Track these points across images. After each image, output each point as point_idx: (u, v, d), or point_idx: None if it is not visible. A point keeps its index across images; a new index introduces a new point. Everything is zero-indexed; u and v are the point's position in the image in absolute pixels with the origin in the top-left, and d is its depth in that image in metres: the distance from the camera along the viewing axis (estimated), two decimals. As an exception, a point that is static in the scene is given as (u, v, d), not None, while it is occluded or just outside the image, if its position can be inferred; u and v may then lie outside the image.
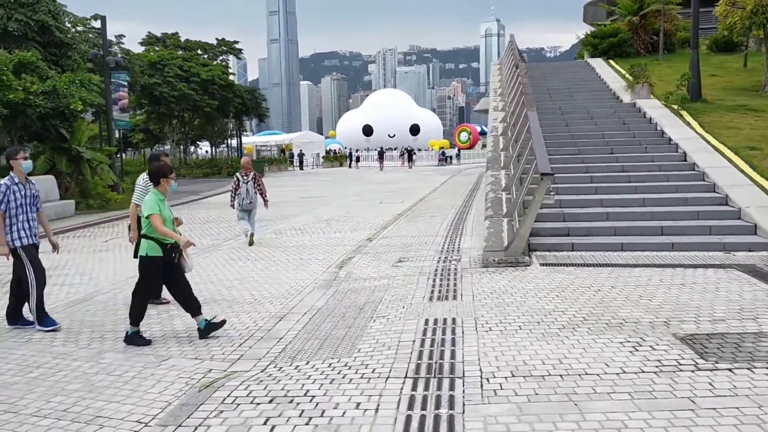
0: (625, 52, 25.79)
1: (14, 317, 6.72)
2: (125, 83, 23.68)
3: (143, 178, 7.61)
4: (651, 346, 5.07)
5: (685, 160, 12.55)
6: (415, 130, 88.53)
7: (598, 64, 24.12)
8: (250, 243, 11.80)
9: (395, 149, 66.34)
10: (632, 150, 13.41)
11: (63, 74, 19.13)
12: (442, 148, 64.69)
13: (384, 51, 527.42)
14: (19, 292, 6.67)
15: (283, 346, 5.70)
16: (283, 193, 26.60)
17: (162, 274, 6.11)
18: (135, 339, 5.95)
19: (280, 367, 5.10)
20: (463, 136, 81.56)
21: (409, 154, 47.11)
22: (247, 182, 11.95)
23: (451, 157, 55.81)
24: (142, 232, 6.16)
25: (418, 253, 9.89)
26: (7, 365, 5.44)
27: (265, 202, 12.40)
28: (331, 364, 5.06)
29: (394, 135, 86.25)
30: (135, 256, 6.75)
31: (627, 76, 20.77)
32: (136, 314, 6.03)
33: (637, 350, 5.00)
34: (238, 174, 12.14)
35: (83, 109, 18.57)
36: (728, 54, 25.57)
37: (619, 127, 15.23)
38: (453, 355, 5.00)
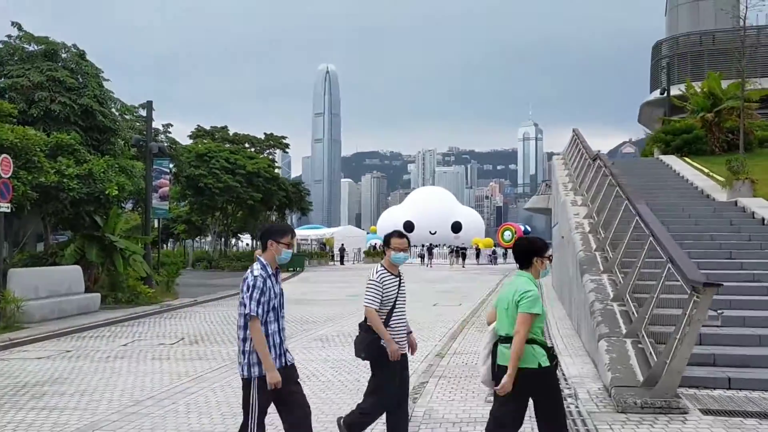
0: (700, 149, 23.83)
1: None
2: (167, 170, 22.58)
3: (377, 271, 5.16)
4: None
5: (828, 269, 10.18)
6: (456, 227, 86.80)
7: (673, 161, 22.13)
8: None
9: (437, 246, 64.38)
10: (755, 255, 11.10)
11: (101, 158, 18.01)
12: (494, 247, 62.73)
13: (423, 151, 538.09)
14: None
15: None
16: (325, 290, 24.61)
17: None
18: None
19: None
20: (507, 235, 79.32)
21: (461, 253, 44.48)
22: None
23: (497, 256, 53.63)
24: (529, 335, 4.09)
25: (511, 380, 7.60)
26: None
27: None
28: None
29: (435, 232, 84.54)
30: (498, 384, 4.10)
31: (712, 173, 18.78)
32: None
33: None
34: None
35: (118, 195, 17.23)
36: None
37: (727, 228, 12.97)
38: None
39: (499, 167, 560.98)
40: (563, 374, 7.79)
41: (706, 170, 19.60)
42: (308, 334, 12.36)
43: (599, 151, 16.96)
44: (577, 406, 6.26)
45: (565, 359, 8.78)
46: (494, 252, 54.38)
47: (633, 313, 8.03)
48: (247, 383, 4.23)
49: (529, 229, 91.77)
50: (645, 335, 7.31)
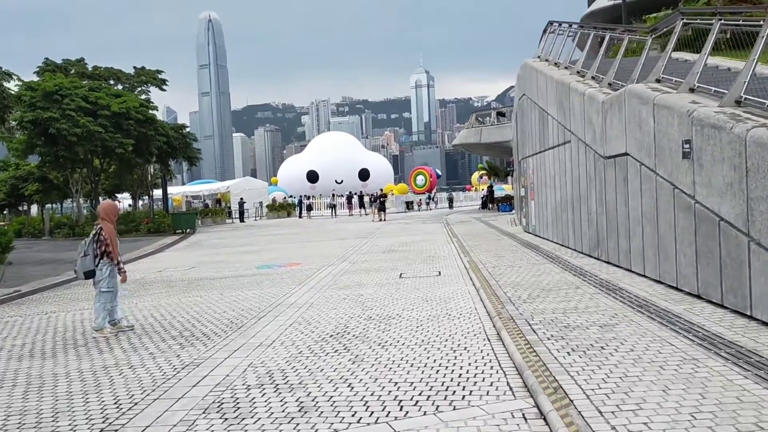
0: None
1: None
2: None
3: None
4: None
5: None
6: (364, 175, 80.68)
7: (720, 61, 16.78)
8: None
9: (341, 196, 58.11)
10: None
11: None
12: (429, 192, 58.83)
13: (317, 102, 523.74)
14: None
15: None
16: (228, 259, 17.48)
17: None
18: None
19: None
20: (420, 179, 74.45)
21: (381, 202, 37.19)
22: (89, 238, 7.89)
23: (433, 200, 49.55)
24: None
25: None
26: None
27: (120, 272, 7.96)
28: None
29: (342, 181, 78.04)
30: None
31: None
32: None
33: None
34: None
35: None
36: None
37: None
38: None
39: (393, 116, 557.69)
40: None
41: None
42: (205, 374, 5.71)
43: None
44: None
45: None
46: (430, 197, 49.67)
47: None
48: None
49: (439, 172, 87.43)
50: None
